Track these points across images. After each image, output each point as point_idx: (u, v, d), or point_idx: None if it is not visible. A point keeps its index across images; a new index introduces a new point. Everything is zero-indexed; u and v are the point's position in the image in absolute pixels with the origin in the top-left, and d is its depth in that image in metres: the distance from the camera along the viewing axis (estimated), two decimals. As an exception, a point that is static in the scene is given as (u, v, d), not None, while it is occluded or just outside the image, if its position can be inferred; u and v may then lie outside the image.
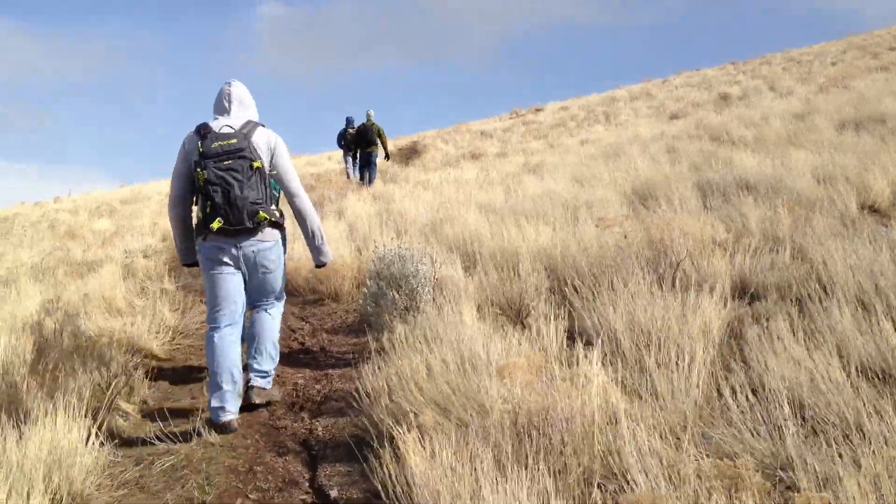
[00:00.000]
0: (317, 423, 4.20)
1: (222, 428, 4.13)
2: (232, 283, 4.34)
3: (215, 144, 4.17)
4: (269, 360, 4.58)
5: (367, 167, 16.55)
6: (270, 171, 4.38)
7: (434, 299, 5.14)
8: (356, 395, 4.08)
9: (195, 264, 4.55)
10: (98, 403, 4.38)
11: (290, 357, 5.42)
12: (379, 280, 5.26)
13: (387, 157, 17.08)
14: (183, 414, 4.45)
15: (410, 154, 22.90)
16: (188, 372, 5.35)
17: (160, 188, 22.91)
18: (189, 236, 4.50)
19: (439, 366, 3.89)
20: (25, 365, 4.76)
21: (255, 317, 4.61)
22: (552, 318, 4.43)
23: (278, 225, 4.43)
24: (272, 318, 4.63)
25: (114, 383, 4.66)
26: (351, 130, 17.49)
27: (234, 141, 4.19)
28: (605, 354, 3.87)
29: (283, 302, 4.79)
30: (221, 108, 4.45)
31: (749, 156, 9.06)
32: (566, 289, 5.09)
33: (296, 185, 4.54)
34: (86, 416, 3.89)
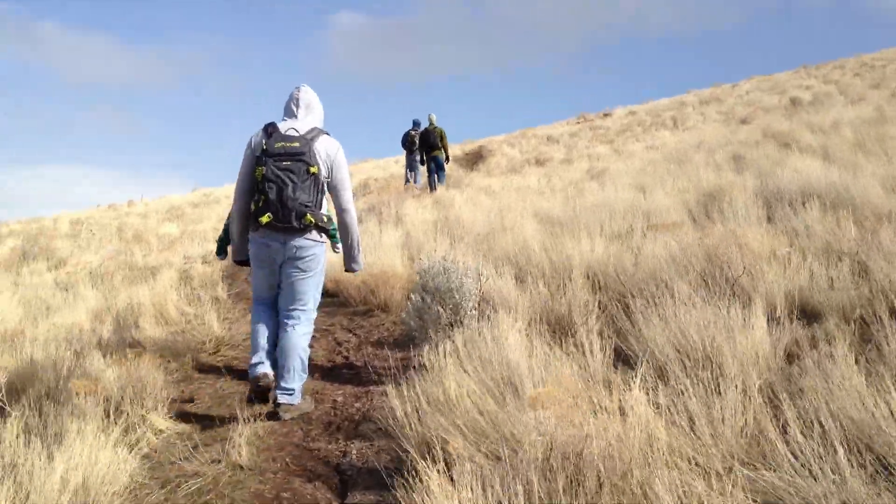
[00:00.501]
0: (351, 446, 4.08)
1: (259, 379, 4.52)
2: (274, 276, 4.63)
3: (278, 144, 4.43)
4: (297, 378, 4.61)
5: (433, 171, 16.57)
6: (326, 178, 4.56)
7: (479, 314, 4.99)
8: (392, 417, 3.95)
9: (247, 262, 4.83)
10: (132, 418, 4.34)
11: (333, 372, 5.33)
12: (423, 293, 5.14)
13: (447, 159, 16.93)
14: (217, 431, 4.38)
15: (476, 159, 22.78)
16: (231, 386, 5.28)
17: (229, 192, 23.23)
18: (247, 232, 4.69)
19: (477, 387, 3.74)
20: (60, 379, 4.74)
21: (281, 334, 4.66)
22: (599, 336, 4.26)
23: (325, 230, 4.61)
24: (299, 336, 4.64)
25: (150, 397, 4.61)
26: (413, 133, 17.47)
27: (296, 144, 4.44)
28: (650, 378, 3.68)
29: (312, 317, 4.80)
30: (290, 111, 4.69)
31: (817, 164, 8.69)
32: (616, 305, 4.91)
33: (347, 197, 4.71)
34: (118, 429, 3.87)
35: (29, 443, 3.56)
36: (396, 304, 6.78)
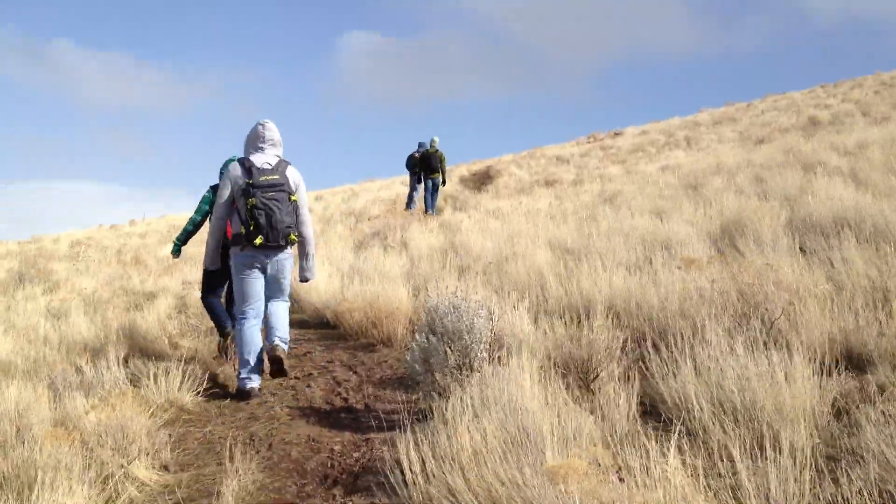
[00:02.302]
0: (349, 503, 3.66)
1: (248, 393, 5.36)
2: (258, 284, 5.59)
3: (263, 178, 5.33)
4: (286, 330, 5.67)
5: (428, 192, 17.03)
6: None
7: (490, 356, 4.57)
8: (394, 472, 3.53)
9: (218, 270, 5.98)
10: (112, 469, 3.94)
11: (331, 417, 4.88)
12: (430, 333, 4.70)
13: (443, 182, 17.34)
14: (203, 484, 3.98)
15: (483, 179, 22.41)
16: (221, 430, 4.86)
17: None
18: (220, 246, 5.76)
19: (493, 442, 3.32)
20: (37, 424, 4.34)
21: (271, 308, 5.68)
22: (623, 382, 3.87)
23: (294, 243, 5.60)
24: (283, 308, 5.75)
25: (132, 446, 4.21)
26: (417, 155, 17.47)
27: (276, 176, 5.39)
28: (684, 434, 3.27)
29: (289, 297, 5.89)
30: (257, 146, 5.54)
31: (847, 188, 8.23)
32: (641, 347, 4.50)
33: (307, 214, 5.73)
34: (97, 483, 3.50)
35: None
36: (400, 339, 6.37)
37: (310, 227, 5.76)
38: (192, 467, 4.31)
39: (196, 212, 6.63)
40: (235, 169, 5.41)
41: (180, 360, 5.87)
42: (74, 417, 4.54)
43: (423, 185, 17.29)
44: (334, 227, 17.01)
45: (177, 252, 6.94)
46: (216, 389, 5.68)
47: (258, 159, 5.42)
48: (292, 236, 5.44)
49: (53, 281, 13.26)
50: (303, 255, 5.78)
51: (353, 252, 10.91)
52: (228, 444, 4.47)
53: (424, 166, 16.92)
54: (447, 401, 3.96)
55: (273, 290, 5.67)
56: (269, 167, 5.40)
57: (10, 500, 3.44)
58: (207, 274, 6.37)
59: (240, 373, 5.44)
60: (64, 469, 3.80)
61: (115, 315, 8.11)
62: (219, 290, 6.46)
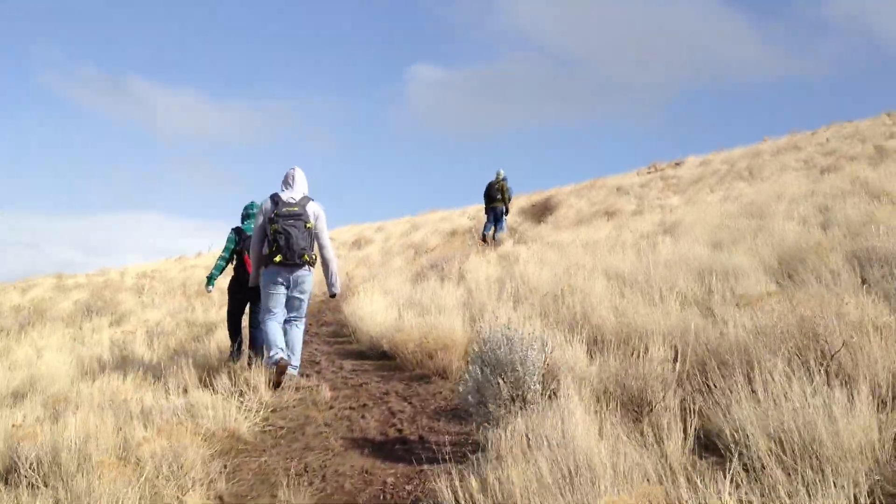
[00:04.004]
0: (402, 537, 3.66)
1: (277, 364, 6.35)
2: (282, 296, 6.72)
3: (284, 209, 6.57)
4: (298, 357, 6.84)
5: (490, 222, 17.58)
6: (314, 228, 6.70)
7: (544, 388, 4.54)
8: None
9: (256, 287, 7.00)
10: (167, 500, 4.01)
11: (385, 448, 4.90)
12: (483, 365, 4.70)
13: (506, 212, 17.78)
14: (259, 516, 4.01)
15: (543, 211, 22.35)
16: (276, 461, 4.90)
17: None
18: (260, 267, 6.82)
19: (544, 476, 3.30)
20: (100, 452, 4.44)
21: (288, 333, 6.76)
22: (678, 417, 3.80)
23: (313, 263, 6.72)
24: (298, 331, 6.85)
25: (187, 476, 4.27)
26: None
27: (296, 208, 6.62)
28: (741, 470, 3.19)
29: (304, 321, 7.03)
30: (287, 184, 6.86)
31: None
32: (696, 380, 4.43)
33: (327, 240, 6.90)
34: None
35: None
36: (455, 370, 6.36)
37: (330, 250, 6.94)
38: (247, 498, 4.37)
39: (224, 250, 7.81)
40: (267, 203, 6.68)
41: (237, 390, 5.96)
42: (133, 446, 4.63)
43: (487, 214, 17.87)
44: (393, 259, 17.13)
45: (210, 285, 7.99)
46: (272, 419, 5.75)
47: (285, 195, 6.69)
48: (306, 256, 6.54)
49: (120, 313, 13.59)
50: (326, 273, 6.98)
51: (410, 284, 10.97)
52: (282, 475, 4.54)
53: (486, 197, 17.67)
54: (500, 434, 3.95)
55: (291, 305, 6.77)
56: (293, 201, 6.63)
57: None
58: (230, 299, 7.87)
59: (267, 354, 6.59)
60: (120, 500, 3.88)
61: (177, 345, 8.26)
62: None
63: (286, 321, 6.75)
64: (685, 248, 9.10)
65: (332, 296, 7.19)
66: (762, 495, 3.07)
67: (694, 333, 5.31)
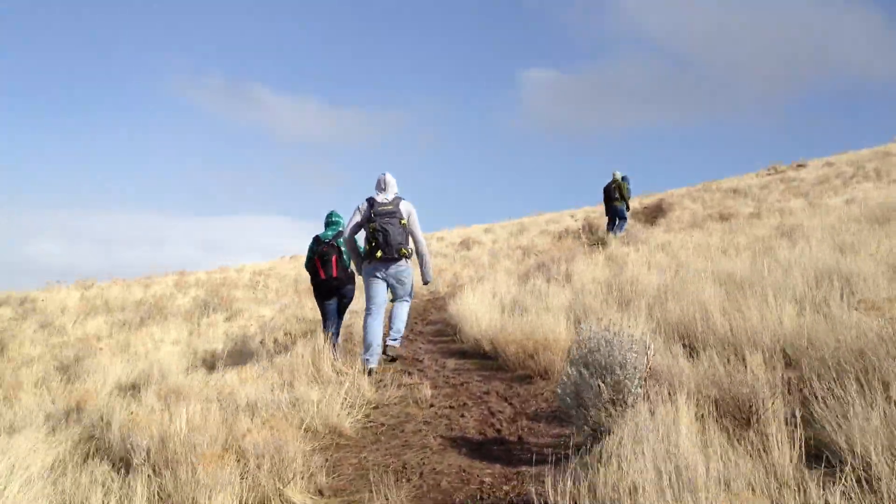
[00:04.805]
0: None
1: (370, 371, 7.04)
2: (382, 288, 7.46)
3: (380, 208, 7.31)
4: (402, 329, 7.61)
5: (612, 221, 18.35)
6: (406, 225, 7.39)
7: (646, 393, 4.41)
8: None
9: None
10: (267, 491, 4.08)
11: (483, 448, 4.85)
12: (582, 367, 4.59)
13: (627, 208, 18.52)
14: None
15: (655, 213, 21.90)
16: (375, 456, 4.93)
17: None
18: (360, 257, 7.69)
19: (646, 482, 3.20)
20: (208, 443, 4.57)
21: (394, 307, 7.59)
22: (788, 424, 3.63)
23: (409, 256, 7.40)
24: (403, 308, 7.61)
25: (288, 468, 4.34)
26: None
27: (390, 207, 7.34)
28: (855, 483, 3.01)
29: (411, 299, 7.74)
30: (380, 188, 7.54)
31: None
32: (808, 388, 4.21)
33: (419, 234, 7.52)
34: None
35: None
36: (558, 371, 6.24)
37: (423, 243, 7.55)
38: (345, 493, 4.40)
39: (307, 257, 8.56)
40: (363, 204, 7.44)
41: (342, 386, 6.04)
42: (239, 437, 4.74)
43: (608, 214, 18.65)
44: (501, 261, 17.09)
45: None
46: (374, 416, 5.79)
47: (380, 197, 7.43)
48: (403, 250, 7.24)
49: (235, 309, 14.02)
50: (421, 263, 7.62)
51: (516, 285, 10.90)
52: (381, 472, 4.55)
53: (605, 197, 18.32)
54: (600, 438, 3.86)
55: (396, 293, 7.53)
56: (387, 202, 7.36)
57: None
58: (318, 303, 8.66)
59: (364, 355, 7.27)
60: (223, 489, 3.97)
61: (286, 340, 8.43)
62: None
63: (396, 302, 7.58)
64: (805, 252, 8.71)
65: (426, 282, 7.92)
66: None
67: (808, 339, 5.07)
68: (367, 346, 7.25)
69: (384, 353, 7.42)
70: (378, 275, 7.32)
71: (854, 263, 7.38)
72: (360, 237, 7.69)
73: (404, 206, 7.39)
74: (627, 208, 18.57)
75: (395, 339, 7.49)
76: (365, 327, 7.39)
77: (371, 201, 7.37)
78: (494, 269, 14.84)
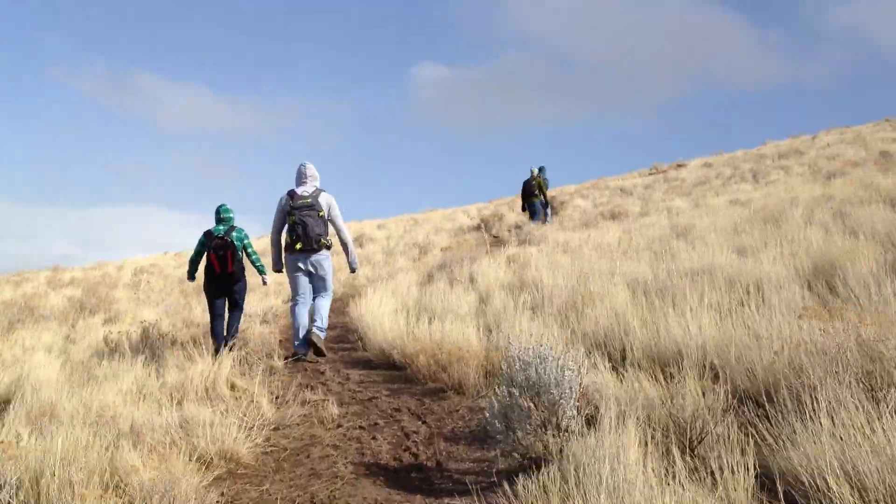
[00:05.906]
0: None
1: (301, 357, 7.67)
2: (305, 280, 7.84)
3: (299, 202, 7.64)
4: (324, 322, 7.85)
5: (533, 214, 19.20)
6: (327, 216, 7.79)
7: (579, 413, 4.12)
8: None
9: (281, 271, 8.10)
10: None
11: (399, 476, 4.41)
12: (510, 386, 4.25)
13: (545, 204, 19.66)
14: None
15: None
16: (279, 488, 4.42)
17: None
18: (281, 253, 7.95)
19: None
20: (85, 476, 4.00)
21: (316, 300, 7.92)
22: (732, 448, 3.41)
23: (329, 247, 7.81)
24: (325, 302, 7.95)
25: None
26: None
27: (309, 200, 7.68)
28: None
29: (331, 293, 8.11)
30: (300, 180, 7.92)
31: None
32: (746, 407, 4.02)
33: (342, 224, 7.93)
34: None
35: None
36: (472, 385, 5.91)
37: (346, 233, 8.04)
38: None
39: (195, 251, 8.54)
40: (285, 197, 7.77)
41: (238, 403, 5.54)
42: (122, 472, 4.18)
43: (528, 209, 19.48)
44: (397, 258, 16.68)
45: (192, 278, 9.08)
46: (274, 439, 5.30)
47: (299, 189, 7.80)
48: (323, 241, 7.63)
49: (115, 311, 13.10)
50: (346, 252, 8.17)
51: (417, 287, 10.53)
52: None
53: (524, 194, 19.25)
54: (534, 466, 3.53)
55: (317, 286, 7.91)
56: (307, 194, 7.72)
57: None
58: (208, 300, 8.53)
59: (294, 343, 7.83)
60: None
61: (172, 348, 7.81)
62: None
63: (317, 296, 7.90)
64: (706, 255, 8.67)
65: (353, 271, 8.35)
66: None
67: (735, 353, 4.89)
68: (296, 332, 7.73)
69: (307, 344, 7.66)
70: (300, 265, 7.68)
71: (759, 267, 7.34)
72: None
73: (324, 199, 7.72)
74: (546, 202, 19.58)
75: (320, 329, 7.70)
76: (293, 315, 7.82)
77: (291, 193, 7.70)
78: (392, 268, 14.44)
